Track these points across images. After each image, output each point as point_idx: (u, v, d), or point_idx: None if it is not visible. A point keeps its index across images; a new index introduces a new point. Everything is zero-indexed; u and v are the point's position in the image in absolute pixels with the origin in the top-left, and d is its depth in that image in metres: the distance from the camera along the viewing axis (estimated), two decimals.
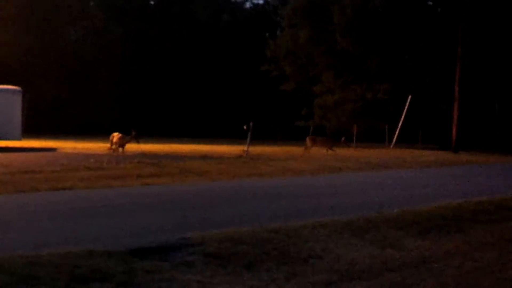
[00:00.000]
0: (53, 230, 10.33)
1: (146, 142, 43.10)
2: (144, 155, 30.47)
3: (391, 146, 47.95)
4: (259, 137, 37.37)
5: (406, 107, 49.52)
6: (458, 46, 54.31)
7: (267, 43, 65.32)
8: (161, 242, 9.28)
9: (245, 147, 32.78)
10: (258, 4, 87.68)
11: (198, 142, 46.20)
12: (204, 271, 8.01)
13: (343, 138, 36.99)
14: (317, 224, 11.06)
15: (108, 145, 28.99)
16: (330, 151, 33.71)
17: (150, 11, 78.71)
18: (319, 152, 34.27)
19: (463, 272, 8.71)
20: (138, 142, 29.01)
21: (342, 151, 35.83)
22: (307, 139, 34.62)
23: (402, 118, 49.17)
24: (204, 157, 30.10)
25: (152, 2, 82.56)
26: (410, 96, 49.91)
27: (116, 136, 28.46)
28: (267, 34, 70.34)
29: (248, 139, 33.32)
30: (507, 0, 53.75)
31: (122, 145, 28.26)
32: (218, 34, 76.02)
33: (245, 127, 34.28)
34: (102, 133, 55.24)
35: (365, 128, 53.62)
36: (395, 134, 49.18)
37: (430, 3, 64.12)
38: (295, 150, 36.54)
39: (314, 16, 61.72)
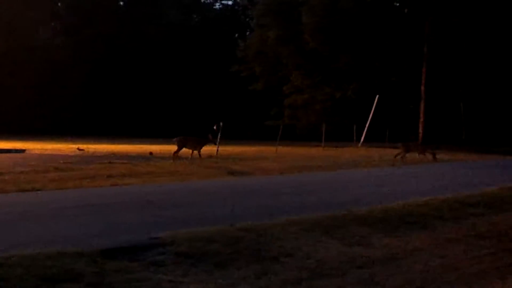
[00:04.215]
0: (22, 231, 10.29)
1: (116, 142, 43.05)
2: (114, 155, 30.36)
3: (359, 145, 48.22)
4: (230, 137, 37.39)
5: (374, 107, 49.86)
6: (424, 46, 54.89)
7: (236, 44, 65.45)
8: (132, 242, 9.29)
9: (214, 147, 32.80)
10: (227, 5, 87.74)
11: (169, 143, 46.07)
12: (175, 270, 8.06)
13: (215, 126, 34.92)
14: (287, 222, 11.16)
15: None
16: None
17: (120, 12, 78.44)
18: (290, 151, 34.34)
19: (430, 268, 8.85)
20: (215, 143, 30.96)
21: (312, 151, 35.95)
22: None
23: (370, 118, 49.50)
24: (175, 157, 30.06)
25: (121, 3, 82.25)
26: (378, 96, 50.27)
27: (191, 140, 29.06)
28: (236, 35, 70.47)
29: (218, 139, 33.34)
30: (473, 1, 54.29)
31: (198, 149, 29.21)
32: (188, 35, 75.94)
33: (215, 127, 34.30)
34: (71, 134, 55.06)
35: (333, 127, 53.91)
36: (363, 133, 49.49)
37: (397, 4, 64.66)
38: (265, 149, 36.64)
39: (283, 16, 62.00)
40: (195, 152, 29.26)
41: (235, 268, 8.30)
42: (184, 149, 29.19)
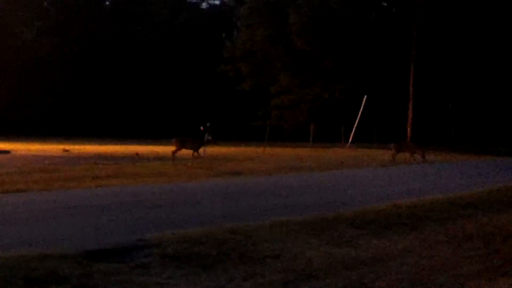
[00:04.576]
0: (7, 233, 10.20)
1: (102, 143, 42.94)
2: (100, 156, 30.25)
3: (347, 145, 48.28)
4: (217, 138, 37.31)
5: (362, 107, 49.93)
6: (412, 46, 55.03)
7: (224, 44, 65.42)
8: (118, 243, 9.23)
9: (202, 148, 32.75)
10: (214, 5, 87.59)
11: (156, 143, 46.02)
12: (161, 272, 7.98)
13: (202, 127, 35.03)
14: (275, 223, 11.12)
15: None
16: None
17: (106, 11, 78.24)
18: (278, 152, 34.32)
19: (419, 270, 8.80)
20: (215, 143, 31.76)
21: (300, 151, 35.94)
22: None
23: (358, 118, 49.57)
24: (162, 158, 30.01)
25: (107, 3, 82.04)
26: (366, 96, 50.34)
27: (190, 140, 29.55)
28: (223, 35, 70.41)
29: (206, 140, 33.27)
30: (460, 2, 54.46)
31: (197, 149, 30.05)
32: (175, 34, 75.83)
33: (202, 128, 34.28)
34: (57, 135, 54.87)
35: (321, 127, 53.96)
36: (351, 133, 49.55)
37: (385, 4, 64.81)
38: (252, 150, 36.61)
39: (270, 17, 62.00)
40: (195, 152, 29.66)
41: (222, 269, 8.24)
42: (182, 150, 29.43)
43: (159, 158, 30.07)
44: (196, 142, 31.23)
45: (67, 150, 34.78)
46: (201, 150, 31.31)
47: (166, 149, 37.91)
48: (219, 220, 11.33)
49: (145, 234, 9.77)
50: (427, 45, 56.00)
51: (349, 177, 23.25)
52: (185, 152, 31.13)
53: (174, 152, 29.94)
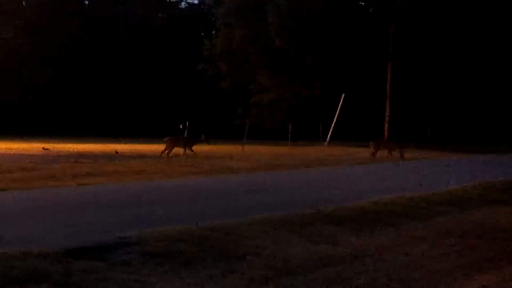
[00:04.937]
0: None
1: (82, 141, 42.77)
2: (80, 154, 30.17)
3: (326, 143, 48.42)
4: (196, 136, 37.26)
5: (340, 105, 50.08)
6: (389, 45, 55.30)
7: (202, 42, 65.38)
8: (98, 241, 9.23)
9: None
10: (193, 4, 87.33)
11: (135, 142, 45.93)
12: (141, 270, 8.02)
13: (181, 125, 35.34)
14: (254, 221, 11.17)
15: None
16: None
17: (84, 10, 77.88)
18: (257, 150, 34.38)
19: (396, 266, 8.91)
20: (208, 143, 31.77)
21: (279, 149, 36.03)
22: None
23: (336, 116, 49.70)
24: (141, 156, 29.99)
25: (86, 2, 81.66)
26: (344, 95, 50.50)
27: (182, 139, 30.81)
28: (202, 33, 70.36)
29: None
30: (437, 1, 54.78)
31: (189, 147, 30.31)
32: (154, 33, 75.58)
33: (181, 126, 34.28)
34: (36, 134, 54.57)
35: (300, 126, 54.08)
36: (329, 131, 49.69)
37: (362, 3, 65.04)
38: (232, 148, 36.65)
39: (249, 15, 62.00)
40: (189, 150, 29.84)
41: (201, 267, 8.29)
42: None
43: (139, 156, 30.05)
44: (189, 140, 31.39)
45: (47, 149, 34.63)
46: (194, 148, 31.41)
47: (145, 147, 37.89)
48: (199, 218, 11.36)
49: (124, 232, 9.78)
50: (404, 43, 56.32)
51: (328, 175, 23.34)
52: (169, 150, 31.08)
53: (164, 150, 30.05)
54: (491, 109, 60.91)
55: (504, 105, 60.70)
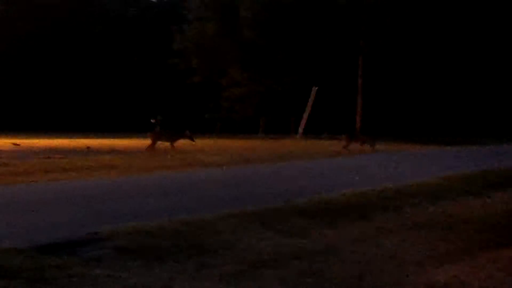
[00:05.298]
0: None
1: (53, 137, 42.45)
2: (51, 150, 29.95)
3: (298, 137, 48.52)
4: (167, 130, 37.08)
5: (312, 99, 50.19)
6: (360, 39, 55.54)
7: (174, 37, 65.19)
8: (70, 237, 9.18)
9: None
10: None
11: (107, 137, 45.71)
12: (114, 265, 8.00)
13: (152, 120, 35.42)
14: (227, 215, 11.17)
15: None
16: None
17: (55, 3, 77.20)
18: (229, 144, 34.33)
19: (369, 258, 8.97)
20: (192, 139, 31.73)
21: (251, 143, 36.03)
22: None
23: (308, 110, 49.81)
24: (113, 151, 29.85)
25: None
26: (315, 88, 50.61)
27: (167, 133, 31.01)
28: (174, 27, 70.03)
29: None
30: None
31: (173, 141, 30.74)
32: (125, 27, 75.22)
33: (152, 121, 34.15)
34: (6, 129, 54.06)
35: (272, 120, 54.15)
36: (301, 125, 49.80)
37: None
38: (203, 142, 36.56)
39: (221, 9, 61.91)
40: (171, 144, 30.18)
41: (174, 261, 8.30)
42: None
43: (111, 151, 29.90)
44: (173, 135, 31.52)
45: (17, 144, 34.30)
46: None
47: (117, 142, 37.71)
48: (171, 212, 11.34)
49: (97, 228, 9.74)
50: (375, 37, 56.57)
51: (300, 168, 23.40)
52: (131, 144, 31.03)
53: (150, 146, 30.18)
54: (462, 101, 61.47)
55: (474, 97, 61.32)
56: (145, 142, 31.96)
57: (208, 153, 29.52)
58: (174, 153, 28.16)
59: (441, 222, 11.81)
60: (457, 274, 8.23)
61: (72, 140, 40.26)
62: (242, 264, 8.30)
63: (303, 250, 9.28)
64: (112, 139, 41.72)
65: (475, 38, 58.74)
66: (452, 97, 60.86)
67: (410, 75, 59.21)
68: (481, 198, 15.34)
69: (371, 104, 57.63)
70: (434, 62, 58.63)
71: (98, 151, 29.58)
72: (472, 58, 59.66)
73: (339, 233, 10.58)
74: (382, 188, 15.44)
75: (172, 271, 7.86)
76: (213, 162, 24.58)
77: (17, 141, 36.68)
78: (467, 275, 8.23)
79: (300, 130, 49.65)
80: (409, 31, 55.89)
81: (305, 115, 50.03)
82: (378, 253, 9.27)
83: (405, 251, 9.46)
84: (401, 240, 10.21)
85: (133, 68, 72.42)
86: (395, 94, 60.82)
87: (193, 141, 32.31)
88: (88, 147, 32.59)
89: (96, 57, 71.78)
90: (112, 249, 8.65)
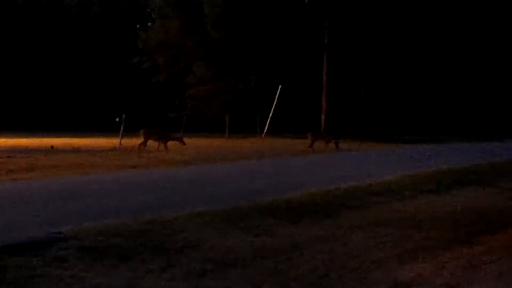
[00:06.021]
0: None
1: (15, 136, 42.02)
2: (14, 149, 29.65)
3: (263, 135, 48.56)
4: (133, 129, 36.96)
5: (276, 97, 50.27)
6: (325, 36, 55.71)
7: (138, 35, 64.94)
8: (34, 237, 9.09)
9: (118, 140, 32.49)
10: None
11: (71, 136, 45.37)
12: (78, 265, 7.93)
13: (117, 118, 35.52)
14: (192, 214, 11.14)
15: None
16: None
17: (17, 3, 76.45)
18: (194, 143, 34.26)
19: (334, 256, 8.99)
20: (182, 141, 31.52)
21: (216, 142, 36.01)
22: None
23: (273, 108, 49.89)
24: (77, 150, 29.64)
25: None
26: (280, 86, 50.69)
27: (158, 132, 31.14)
28: (138, 26, 69.81)
29: (121, 132, 32.98)
30: None
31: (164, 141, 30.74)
32: (89, 25, 74.70)
33: (117, 119, 34.00)
34: None
35: (237, 118, 54.13)
36: (266, 124, 49.86)
37: None
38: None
39: (185, 7, 61.80)
40: (163, 144, 29.94)
41: (139, 261, 8.25)
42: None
43: (75, 150, 29.68)
44: (164, 135, 31.52)
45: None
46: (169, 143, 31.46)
47: (81, 141, 37.45)
48: (136, 212, 11.29)
49: (61, 227, 9.65)
50: (340, 35, 56.77)
51: (265, 167, 23.44)
52: (100, 143, 30.84)
53: (141, 144, 30.04)
54: (428, 100, 62.01)
55: (440, 95, 61.90)
56: (110, 141, 31.77)
57: (173, 152, 29.45)
58: (140, 153, 28.02)
59: (405, 220, 11.89)
60: (421, 272, 8.28)
61: (35, 139, 39.92)
62: (208, 263, 8.28)
63: (269, 249, 9.27)
64: (76, 138, 41.42)
65: (439, 35, 59.26)
66: (418, 96, 61.37)
67: (376, 72, 59.52)
68: (443, 196, 15.49)
69: (336, 102, 57.82)
70: (399, 59, 59.03)
71: (63, 151, 29.36)
72: (437, 56, 60.17)
73: (304, 231, 10.59)
74: (347, 187, 15.53)
75: (136, 270, 7.81)
76: (178, 161, 24.52)
77: None
78: (431, 273, 8.29)
79: (265, 128, 49.68)
80: (373, 27, 56.15)
81: (269, 114, 50.09)
82: (343, 251, 9.30)
83: (370, 249, 9.50)
84: (366, 238, 10.25)
85: (97, 67, 71.96)
86: (361, 92, 61.11)
87: (183, 143, 32.23)
88: (52, 146, 32.33)
89: (58, 56, 71.19)
90: (76, 249, 8.56)
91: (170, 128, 50.76)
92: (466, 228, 11.13)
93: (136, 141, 31.42)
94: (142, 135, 30.58)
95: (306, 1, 62.93)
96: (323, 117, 55.70)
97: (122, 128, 33.39)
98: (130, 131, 34.98)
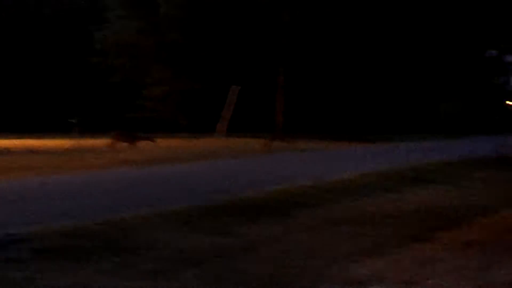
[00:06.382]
0: None
1: None
2: None
3: (219, 136, 48.48)
4: (90, 130, 36.85)
5: (233, 98, 50.23)
6: (282, 35, 55.89)
7: (94, 35, 64.39)
8: None
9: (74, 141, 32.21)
10: None
11: (25, 137, 44.80)
12: (31, 266, 7.87)
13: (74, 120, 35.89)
14: (148, 214, 11.13)
15: None
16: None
17: None
18: (151, 143, 34.11)
19: (291, 254, 9.05)
20: (152, 140, 32.42)
21: (172, 142, 35.93)
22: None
23: (230, 109, 49.84)
24: (32, 151, 29.31)
25: None
26: (238, 88, 50.68)
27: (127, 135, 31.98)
28: (94, 26, 69.12)
29: (77, 133, 32.70)
30: None
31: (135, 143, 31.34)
32: (43, 25, 73.81)
33: (73, 121, 33.73)
34: None
35: (194, 118, 54.06)
36: (223, 124, 49.80)
37: None
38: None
39: (141, 7, 61.47)
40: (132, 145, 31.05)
41: (94, 262, 8.22)
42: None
43: (30, 151, 29.35)
44: (135, 137, 31.88)
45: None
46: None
47: (36, 143, 37.03)
48: (92, 213, 11.23)
49: (16, 229, 9.56)
50: (297, 34, 56.95)
51: (222, 167, 23.44)
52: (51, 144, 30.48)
53: (111, 145, 30.16)
54: (386, 99, 62.50)
55: (397, 95, 62.48)
56: (65, 142, 31.46)
57: (128, 152, 29.31)
58: (99, 154, 27.82)
59: (360, 217, 12.01)
60: (375, 269, 8.37)
61: None
62: (163, 262, 8.28)
63: (224, 248, 9.30)
64: (33, 139, 40.93)
65: (391, 34, 59.85)
66: (376, 95, 61.80)
67: (334, 72, 59.78)
68: (396, 194, 15.67)
69: (294, 101, 57.98)
70: (358, 57, 59.40)
71: (18, 151, 29.04)
72: (387, 57, 60.75)
73: (260, 230, 10.64)
74: (301, 185, 15.59)
75: (91, 271, 7.78)
76: (134, 161, 24.41)
77: None
78: (387, 270, 8.38)
79: (223, 128, 49.63)
80: (331, 26, 56.43)
81: (226, 114, 50.07)
82: (298, 250, 9.36)
83: (325, 247, 9.57)
84: (321, 236, 10.34)
85: (52, 67, 71.10)
86: (318, 91, 61.30)
87: (154, 142, 32.57)
88: (6, 148, 31.90)
89: (12, 56, 70.21)
90: (31, 251, 8.50)
91: (126, 129, 50.48)
92: (418, 226, 11.28)
93: (93, 142, 31.26)
94: (114, 137, 30.89)
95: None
96: (279, 116, 55.86)
97: (78, 129, 33.11)
98: (86, 132, 34.66)
